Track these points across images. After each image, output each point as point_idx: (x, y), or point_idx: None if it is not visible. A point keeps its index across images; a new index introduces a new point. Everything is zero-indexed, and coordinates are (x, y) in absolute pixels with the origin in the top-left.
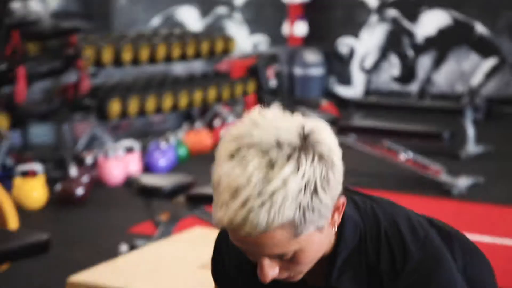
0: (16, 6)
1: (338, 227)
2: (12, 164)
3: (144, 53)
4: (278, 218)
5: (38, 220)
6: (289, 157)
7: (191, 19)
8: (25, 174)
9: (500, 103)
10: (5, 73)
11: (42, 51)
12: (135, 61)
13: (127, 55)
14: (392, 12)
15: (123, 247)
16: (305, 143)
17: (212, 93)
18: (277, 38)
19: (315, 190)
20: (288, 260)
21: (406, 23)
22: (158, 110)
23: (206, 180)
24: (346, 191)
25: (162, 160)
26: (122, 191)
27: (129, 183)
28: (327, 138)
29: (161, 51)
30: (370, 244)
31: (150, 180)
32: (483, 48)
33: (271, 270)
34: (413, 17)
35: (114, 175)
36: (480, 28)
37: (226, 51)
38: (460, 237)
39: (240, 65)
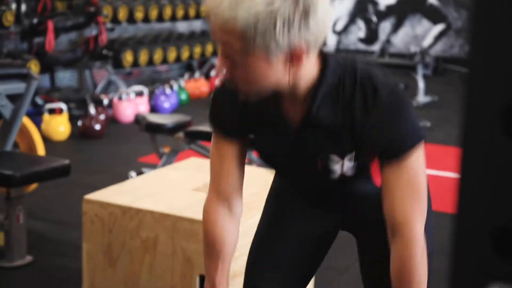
0: None
1: (320, 70)
2: (42, 102)
3: (153, 13)
4: (236, 18)
5: (61, 150)
6: None
7: None
8: (52, 111)
9: (445, 62)
10: (36, 26)
11: (68, 8)
12: (146, 19)
13: (139, 14)
14: None
15: (132, 173)
16: None
17: (209, 48)
18: None
19: (275, 18)
20: (234, 69)
21: None
22: (164, 61)
23: (202, 120)
24: (330, 53)
25: (166, 103)
26: (132, 127)
27: (138, 121)
28: None
29: (167, 11)
30: (347, 85)
31: (155, 118)
32: (433, 15)
33: (220, 64)
34: None
35: (125, 114)
36: None
37: None
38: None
39: None
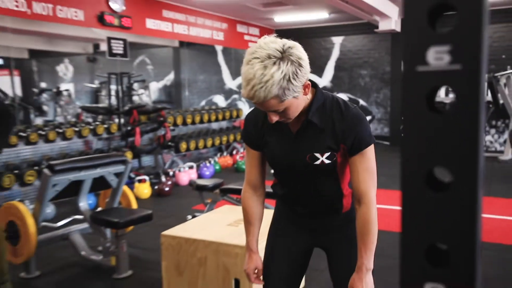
0: (135, 98)
1: (312, 97)
2: (133, 176)
3: (197, 118)
4: (270, 93)
5: (146, 204)
6: (274, 63)
7: (220, 101)
8: (140, 181)
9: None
10: (129, 131)
11: (147, 119)
12: (193, 122)
13: (189, 120)
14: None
15: (189, 216)
16: (283, 55)
17: (231, 137)
18: None
19: (289, 79)
20: (281, 113)
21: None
22: (205, 146)
23: (230, 181)
24: (318, 86)
25: (207, 172)
26: (187, 188)
27: (191, 184)
28: (297, 51)
29: (205, 117)
30: (328, 105)
31: (201, 182)
32: (364, 111)
33: (273, 116)
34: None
35: (183, 180)
36: (361, 102)
37: (238, 116)
38: None
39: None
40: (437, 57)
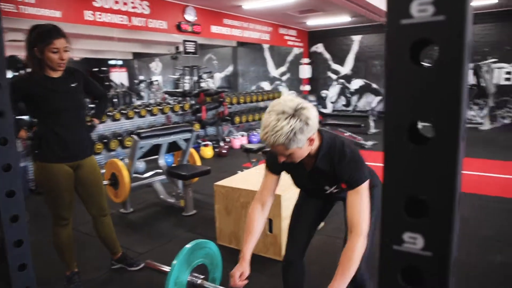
0: (203, 85)
1: (320, 143)
2: (200, 141)
3: (248, 99)
4: (278, 141)
5: (208, 163)
6: (286, 118)
7: (266, 86)
8: (205, 145)
9: (382, 113)
10: (198, 109)
11: (211, 100)
12: (245, 102)
13: (241, 100)
14: (341, 80)
15: (239, 172)
16: (295, 113)
17: None
18: (298, 91)
19: (295, 133)
20: (288, 156)
21: (346, 84)
22: (253, 120)
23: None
24: (324, 130)
25: (255, 139)
26: (239, 151)
27: (242, 147)
28: (308, 111)
29: (254, 98)
30: (332, 152)
31: (249, 146)
32: (375, 92)
33: (281, 158)
34: (349, 81)
35: (237, 145)
36: (374, 85)
37: (279, 97)
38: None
39: None
40: (420, 9)
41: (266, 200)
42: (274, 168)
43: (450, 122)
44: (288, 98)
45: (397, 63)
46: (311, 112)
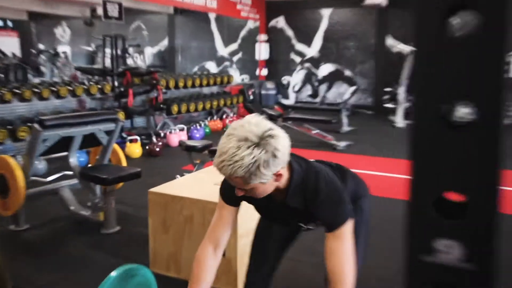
0: (129, 61)
1: (289, 176)
2: (125, 136)
3: (189, 82)
4: (236, 173)
5: (136, 163)
6: (248, 147)
7: (212, 68)
8: (131, 141)
9: (356, 107)
10: (123, 93)
11: (141, 81)
12: (185, 86)
13: (181, 83)
14: (307, 64)
15: (177, 176)
16: (261, 141)
17: (222, 102)
18: (253, 76)
19: (258, 167)
20: (247, 191)
21: (313, 70)
22: (195, 110)
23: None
24: (295, 156)
25: (197, 134)
26: (177, 149)
27: (181, 145)
28: (277, 141)
29: (197, 81)
30: (304, 187)
31: (191, 143)
32: (349, 81)
33: (239, 191)
34: (317, 66)
35: (173, 141)
36: (347, 72)
37: (228, 82)
38: (349, 171)
39: (235, 88)
40: None
41: (220, 239)
42: (231, 199)
43: (495, 101)
44: (254, 121)
45: (430, 32)
46: (281, 142)
